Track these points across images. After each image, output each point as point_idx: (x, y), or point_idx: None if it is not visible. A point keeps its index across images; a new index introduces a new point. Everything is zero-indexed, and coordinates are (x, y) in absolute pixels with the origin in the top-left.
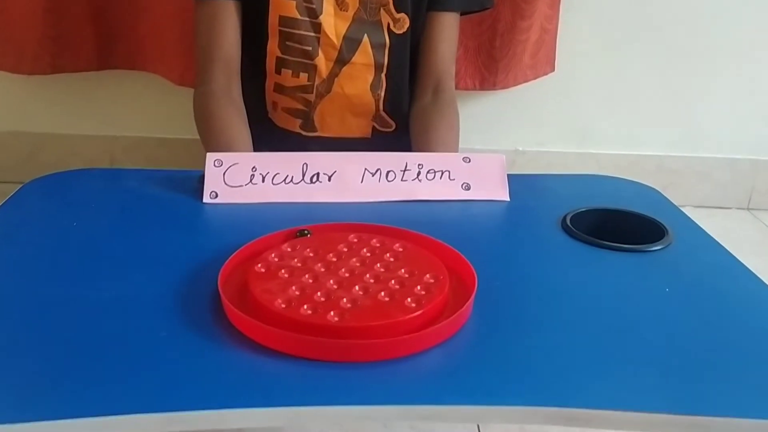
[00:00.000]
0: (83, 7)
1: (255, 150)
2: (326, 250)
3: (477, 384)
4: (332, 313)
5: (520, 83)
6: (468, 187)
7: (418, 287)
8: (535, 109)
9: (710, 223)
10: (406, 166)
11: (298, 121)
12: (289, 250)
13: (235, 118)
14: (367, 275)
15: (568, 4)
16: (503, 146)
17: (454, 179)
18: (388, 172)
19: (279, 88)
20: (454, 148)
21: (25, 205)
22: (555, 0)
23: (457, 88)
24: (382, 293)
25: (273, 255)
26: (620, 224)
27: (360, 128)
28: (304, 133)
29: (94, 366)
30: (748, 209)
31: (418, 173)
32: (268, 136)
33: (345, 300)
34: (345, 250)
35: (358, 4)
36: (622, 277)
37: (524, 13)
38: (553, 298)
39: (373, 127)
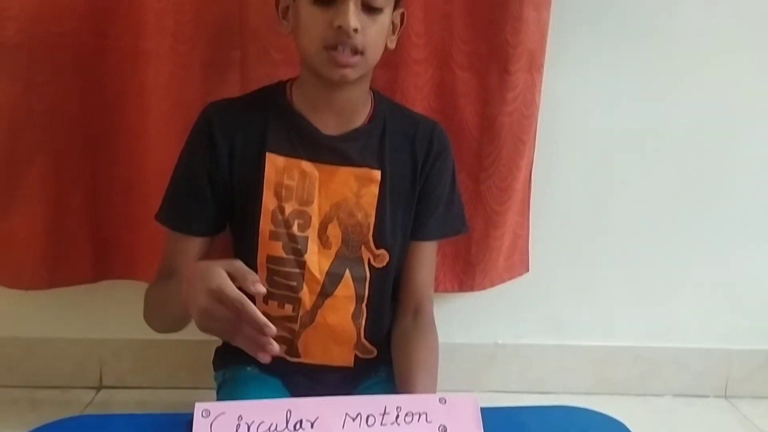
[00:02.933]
0: (82, 225)
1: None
2: None
3: None
4: None
5: (497, 284)
6: (444, 430)
7: None
8: (513, 304)
9: (689, 413)
10: (385, 410)
11: (283, 347)
12: None
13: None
14: None
15: (537, 209)
16: (483, 340)
17: (431, 421)
18: (368, 416)
19: (266, 317)
20: (434, 371)
21: None
22: (524, 208)
23: (437, 291)
24: None
25: None
26: None
27: (342, 356)
28: (288, 358)
29: None
30: (725, 397)
31: (397, 416)
32: None
33: None
34: None
35: (340, 242)
36: None
37: (497, 223)
38: None
39: (355, 355)
